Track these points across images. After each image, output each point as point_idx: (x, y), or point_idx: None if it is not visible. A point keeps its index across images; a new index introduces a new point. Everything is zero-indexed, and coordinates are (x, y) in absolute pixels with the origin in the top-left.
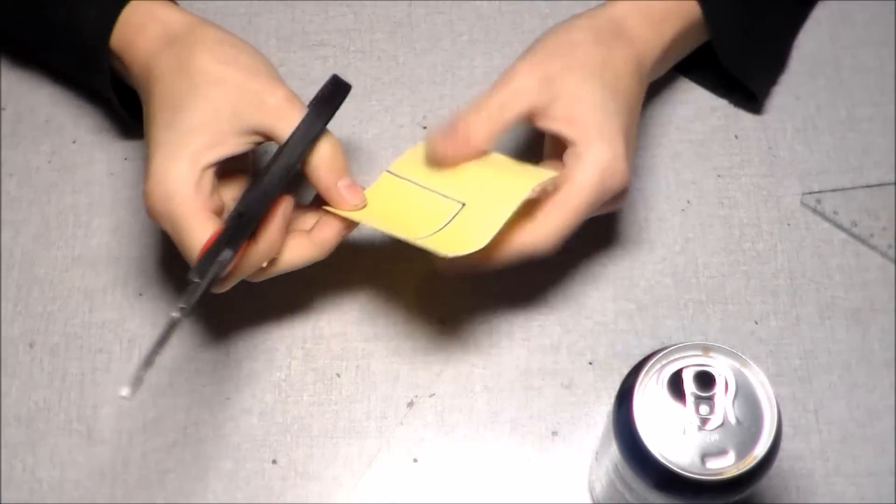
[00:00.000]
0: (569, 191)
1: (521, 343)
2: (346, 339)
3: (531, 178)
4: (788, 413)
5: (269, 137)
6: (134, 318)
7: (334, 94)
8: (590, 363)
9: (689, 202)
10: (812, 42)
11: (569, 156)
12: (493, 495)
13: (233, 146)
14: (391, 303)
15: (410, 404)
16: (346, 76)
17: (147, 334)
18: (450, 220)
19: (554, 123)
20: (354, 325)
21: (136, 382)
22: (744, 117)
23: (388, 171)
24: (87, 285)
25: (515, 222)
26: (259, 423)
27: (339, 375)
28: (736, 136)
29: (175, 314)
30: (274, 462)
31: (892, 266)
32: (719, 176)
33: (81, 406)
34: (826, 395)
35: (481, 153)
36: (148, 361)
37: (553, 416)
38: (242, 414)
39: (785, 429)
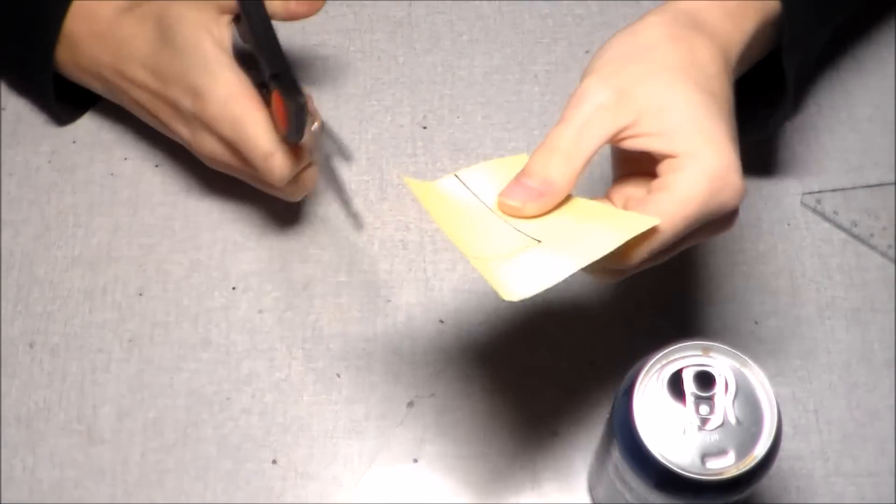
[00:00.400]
0: (664, 199)
1: (521, 343)
2: (346, 339)
3: (627, 224)
4: (788, 413)
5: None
6: (134, 318)
7: None
8: (590, 363)
9: None
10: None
11: (666, 167)
12: (493, 495)
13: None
14: (391, 303)
15: (410, 404)
16: (346, 76)
17: (147, 334)
18: (517, 253)
19: (644, 141)
20: (354, 325)
21: (357, 217)
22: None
23: (456, 176)
24: (87, 285)
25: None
26: (259, 423)
27: (339, 375)
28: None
29: (314, 128)
30: (274, 462)
31: (892, 266)
32: None
33: (81, 406)
34: (826, 395)
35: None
36: (347, 198)
37: (553, 416)
38: (242, 414)
39: (785, 429)
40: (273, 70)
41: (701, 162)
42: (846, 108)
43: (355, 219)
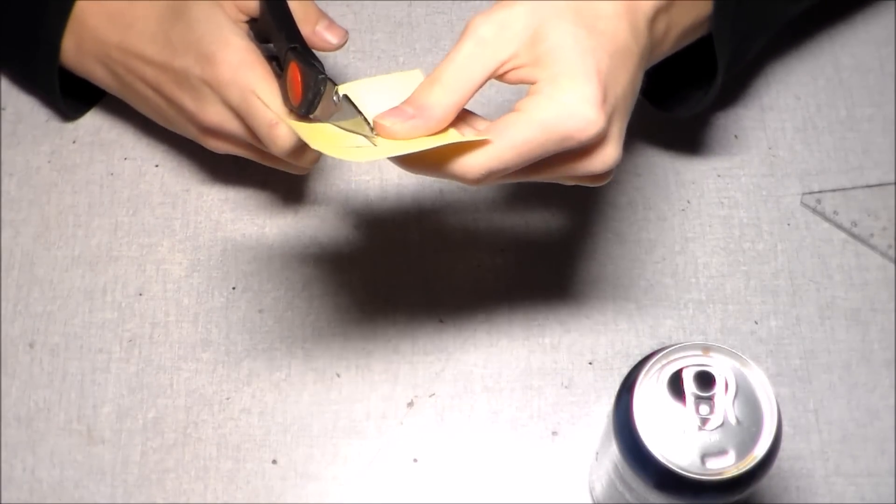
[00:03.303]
0: (513, 121)
1: (521, 343)
2: (346, 339)
3: (456, 138)
4: (788, 413)
5: None
6: (134, 318)
7: None
8: (590, 363)
9: (689, 202)
10: (812, 42)
11: (528, 91)
12: (493, 495)
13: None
14: (391, 303)
15: (410, 404)
16: (347, 76)
17: (147, 334)
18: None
19: (520, 73)
20: (354, 325)
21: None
22: (744, 117)
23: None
24: (87, 285)
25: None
26: (259, 423)
27: (339, 375)
28: (736, 136)
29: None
30: (274, 462)
31: (892, 266)
32: (719, 176)
33: (81, 406)
34: (826, 395)
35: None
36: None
37: (553, 416)
38: (242, 414)
39: (785, 429)
40: (291, 43)
41: (553, 88)
42: (846, 108)
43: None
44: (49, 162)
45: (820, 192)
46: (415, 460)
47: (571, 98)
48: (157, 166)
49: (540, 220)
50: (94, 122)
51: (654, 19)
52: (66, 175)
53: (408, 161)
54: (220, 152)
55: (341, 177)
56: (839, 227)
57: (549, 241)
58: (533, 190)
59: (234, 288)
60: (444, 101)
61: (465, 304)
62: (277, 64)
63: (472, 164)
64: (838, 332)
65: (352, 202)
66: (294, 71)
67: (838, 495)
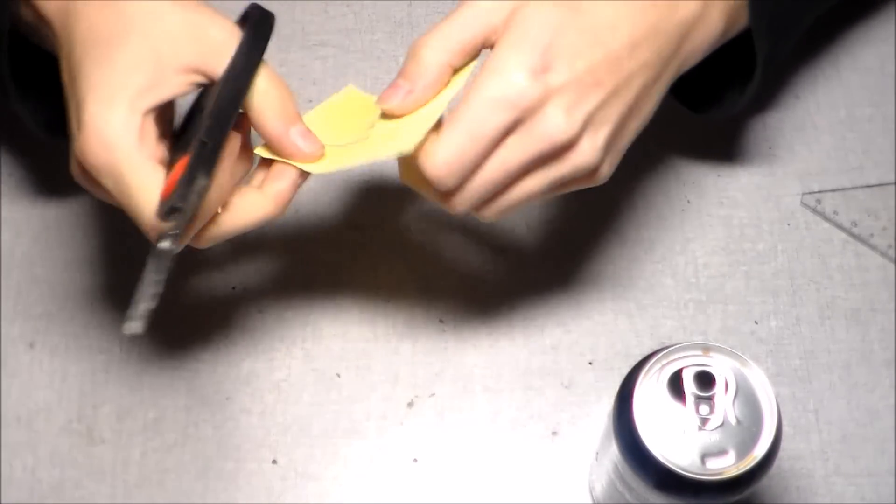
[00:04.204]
0: (460, 103)
1: (521, 343)
2: (346, 339)
3: (412, 130)
4: (788, 413)
5: (210, 77)
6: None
7: (260, 22)
8: (590, 363)
9: (689, 202)
10: (812, 42)
11: None
12: (493, 495)
13: (174, 87)
14: (391, 303)
15: (410, 404)
16: (346, 76)
17: (147, 334)
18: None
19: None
20: (354, 325)
21: (138, 318)
22: (744, 117)
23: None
24: (87, 285)
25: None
26: (259, 423)
27: (339, 375)
28: (736, 136)
29: (164, 244)
30: (274, 462)
31: (892, 266)
32: (719, 176)
33: (81, 406)
34: (826, 395)
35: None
36: (141, 298)
37: (553, 416)
38: (242, 414)
39: (785, 429)
40: (206, 138)
41: (493, 58)
42: (846, 108)
43: (136, 317)
44: (49, 162)
45: (820, 192)
46: (415, 460)
47: (505, 65)
48: None
49: (540, 220)
50: None
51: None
52: (66, 175)
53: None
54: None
55: (341, 176)
56: (839, 227)
57: (549, 241)
58: None
59: (234, 288)
60: (434, 59)
61: (465, 304)
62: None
63: (430, 159)
64: (838, 332)
65: (352, 202)
66: (181, 167)
67: (838, 495)
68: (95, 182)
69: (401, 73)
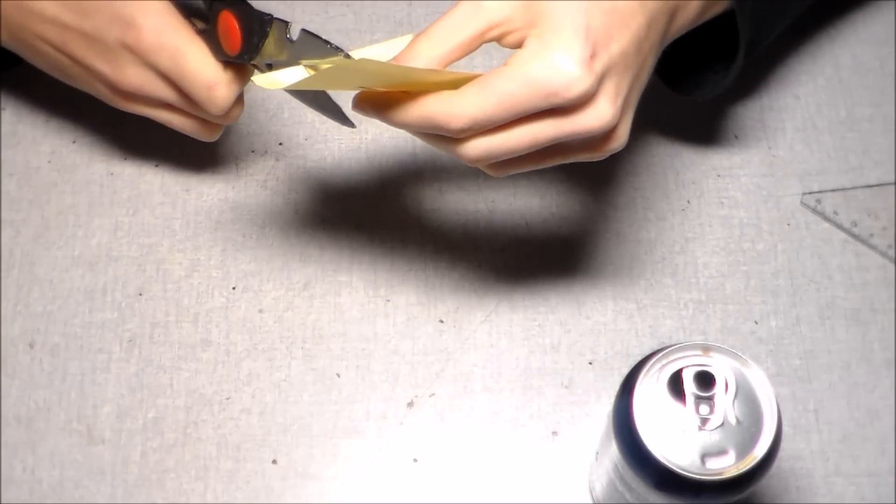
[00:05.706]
0: (498, 73)
1: (521, 343)
2: (346, 339)
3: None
4: (788, 413)
5: None
6: (134, 318)
7: None
8: (590, 363)
9: (689, 202)
10: (812, 42)
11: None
12: (493, 495)
13: None
14: (391, 303)
15: (410, 404)
16: None
17: (147, 334)
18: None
19: (515, 36)
20: (354, 325)
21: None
22: (744, 117)
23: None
24: (87, 285)
25: (437, 90)
26: (259, 423)
27: (339, 375)
28: (736, 136)
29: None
30: (274, 462)
31: (892, 266)
32: (719, 176)
33: (81, 406)
34: (826, 395)
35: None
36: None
37: (553, 416)
38: (242, 414)
39: (785, 429)
40: None
41: (540, 44)
42: (846, 108)
43: (345, 119)
44: (49, 162)
45: (820, 192)
46: (415, 460)
47: (557, 54)
48: (156, 166)
49: (540, 220)
50: (94, 122)
51: None
52: (66, 175)
53: (393, 104)
54: (133, 112)
55: (341, 176)
56: (839, 227)
57: (549, 241)
58: (533, 189)
59: (234, 288)
60: (428, 52)
61: (465, 304)
62: (198, 18)
63: (456, 109)
64: (838, 332)
65: (352, 202)
66: (228, 20)
67: (838, 495)
68: (139, 88)
69: (398, 57)
